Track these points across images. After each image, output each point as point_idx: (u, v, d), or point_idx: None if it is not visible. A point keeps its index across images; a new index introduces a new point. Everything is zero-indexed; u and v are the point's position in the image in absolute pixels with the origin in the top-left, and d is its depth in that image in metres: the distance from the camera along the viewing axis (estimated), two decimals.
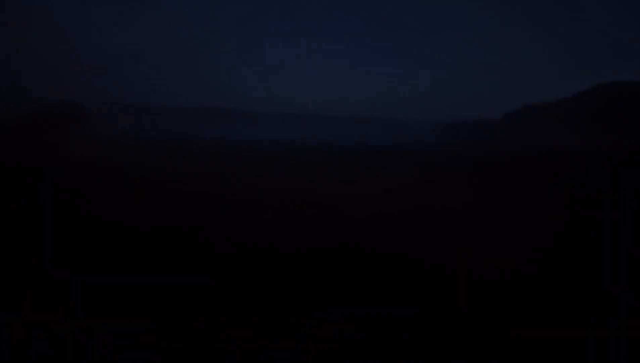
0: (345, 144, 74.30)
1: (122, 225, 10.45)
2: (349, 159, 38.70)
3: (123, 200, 14.08)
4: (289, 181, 21.16)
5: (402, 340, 5.01)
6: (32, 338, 4.76)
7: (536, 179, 22.77)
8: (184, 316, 5.44)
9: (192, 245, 8.92)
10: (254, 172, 25.39)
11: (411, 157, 36.26)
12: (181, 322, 5.27)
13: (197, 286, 6.58)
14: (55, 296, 6.03)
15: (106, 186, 17.35)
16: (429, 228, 11.15)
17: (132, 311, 5.58)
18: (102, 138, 63.50)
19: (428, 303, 6.17)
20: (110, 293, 6.22)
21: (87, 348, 4.61)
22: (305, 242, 9.37)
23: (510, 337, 5.17)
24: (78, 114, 62.62)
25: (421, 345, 4.91)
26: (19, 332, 4.84)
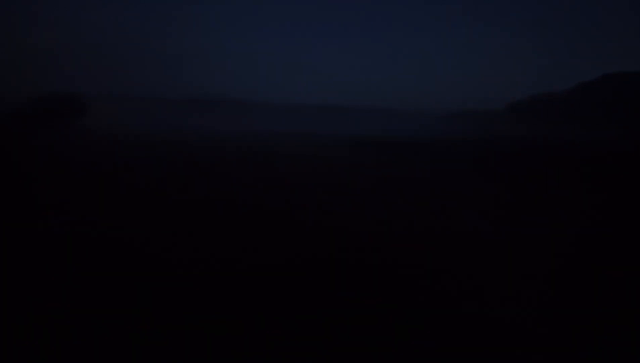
0: (348, 135, 74.08)
1: (121, 222, 10.36)
2: (351, 150, 38.58)
3: (122, 196, 14.00)
4: (292, 171, 21.04)
5: (407, 344, 4.91)
6: (29, 338, 4.66)
7: (539, 170, 22.62)
8: (181, 319, 5.35)
9: (193, 242, 8.82)
10: (259, 163, 25.28)
11: (414, 147, 36.09)
12: (177, 325, 5.16)
13: (196, 287, 6.49)
14: (54, 295, 5.94)
15: (105, 181, 17.26)
16: (433, 219, 11.02)
17: (130, 311, 5.49)
18: (103, 130, 63.36)
19: (433, 300, 6.05)
20: (109, 291, 6.13)
21: (83, 349, 4.52)
22: (307, 236, 9.26)
23: (515, 336, 5.05)
24: (78, 105, 62.35)
25: (427, 349, 4.80)
26: (16, 332, 4.76)
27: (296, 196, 13.96)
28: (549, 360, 4.42)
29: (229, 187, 15.61)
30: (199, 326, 4.95)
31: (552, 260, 7.73)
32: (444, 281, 6.60)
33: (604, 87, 72.62)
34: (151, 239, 8.47)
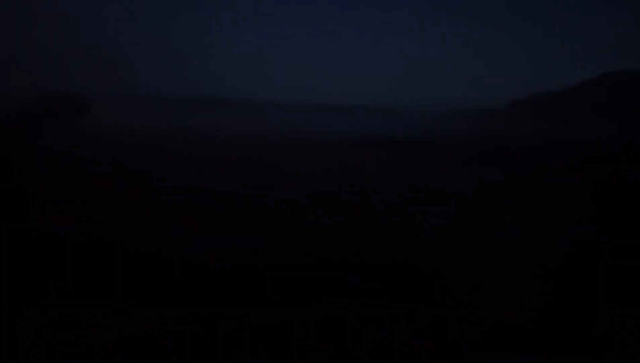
0: (350, 134, 73.99)
1: (122, 222, 10.40)
2: (353, 149, 38.58)
3: (123, 195, 14.03)
4: (292, 170, 21.06)
5: (408, 345, 4.95)
6: (29, 338, 4.68)
7: (539, 169, 22.62)
8: (181, 320, 5.35)
9: (194, 242, 8.85)
10: (260, 162, 25.30)
11: (415, 146, 36.09)
12: (176, 327, 5.16)
13: (196, 288, 6.52)
14: (54, 295, 5.97)
15: (106, 180, 17.29)
16: (434, 218, 11.06)
17: (130, 311, 5.53)
18: (104, 129, 63.27)
19: (434, 300, 6.09)
20: (108, 292, 6.17)
21: (83, 348, 4.56)
22: (307, 235, 9.29)
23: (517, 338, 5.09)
24: (79, 104, 62.33)
25: (428, 350, 4.85)
26: (16, 332, 4.79)
27: (296, 196, 14.00)
28: (550, 360, 4.46)
29: (229, 186, 15.65)
30: (199, 327, 4.99)
31: (554, 260, 7.77)
32: (446, 281, 6.64)
33: (604, 86, 72.55)
34: (152, 239, 8.52)
